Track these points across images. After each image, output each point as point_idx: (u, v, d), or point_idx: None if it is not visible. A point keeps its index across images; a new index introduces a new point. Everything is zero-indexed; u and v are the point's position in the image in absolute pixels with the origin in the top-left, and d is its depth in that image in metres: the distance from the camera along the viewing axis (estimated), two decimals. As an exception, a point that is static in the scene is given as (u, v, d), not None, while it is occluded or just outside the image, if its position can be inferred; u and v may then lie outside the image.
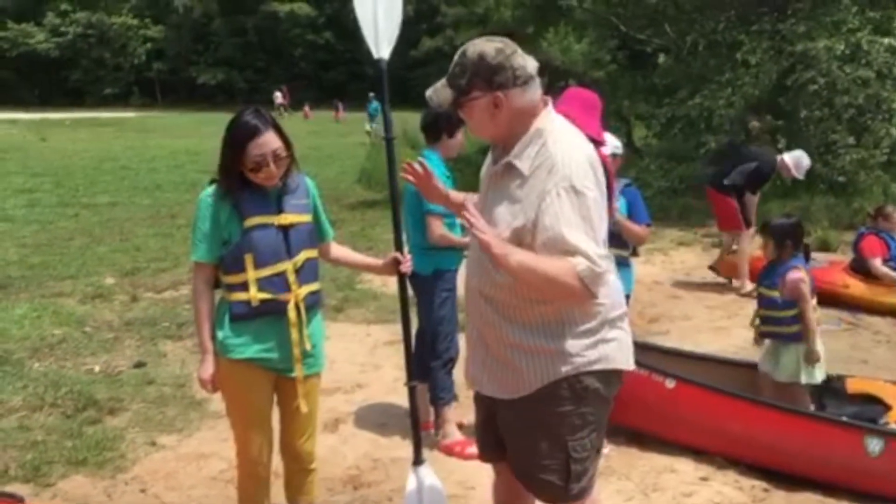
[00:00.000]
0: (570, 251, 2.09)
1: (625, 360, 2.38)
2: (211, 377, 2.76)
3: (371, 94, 26.40)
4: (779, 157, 7.61)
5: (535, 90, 2.24)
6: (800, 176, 7.65)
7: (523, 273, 2.13)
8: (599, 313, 2.28)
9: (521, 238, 2.17)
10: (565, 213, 2.11)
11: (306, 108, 40.11)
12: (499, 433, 2.48)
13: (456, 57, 2.24)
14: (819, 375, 4.12)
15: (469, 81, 2.20)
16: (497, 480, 2.72)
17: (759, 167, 7.39)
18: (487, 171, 2.41)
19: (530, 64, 2.23)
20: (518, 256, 2.12)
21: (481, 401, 2.55)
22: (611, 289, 2.32)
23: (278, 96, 41.04)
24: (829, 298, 6.77)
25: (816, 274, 6.94)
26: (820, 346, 4.12)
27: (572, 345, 2.26)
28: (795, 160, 7.42)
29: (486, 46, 2.20)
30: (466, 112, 2.27)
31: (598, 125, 3.80)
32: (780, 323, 4.15)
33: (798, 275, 4.09)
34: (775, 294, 4.16)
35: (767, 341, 4.29)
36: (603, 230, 2.23)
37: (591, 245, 2.11)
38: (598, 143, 3.78)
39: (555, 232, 2.11)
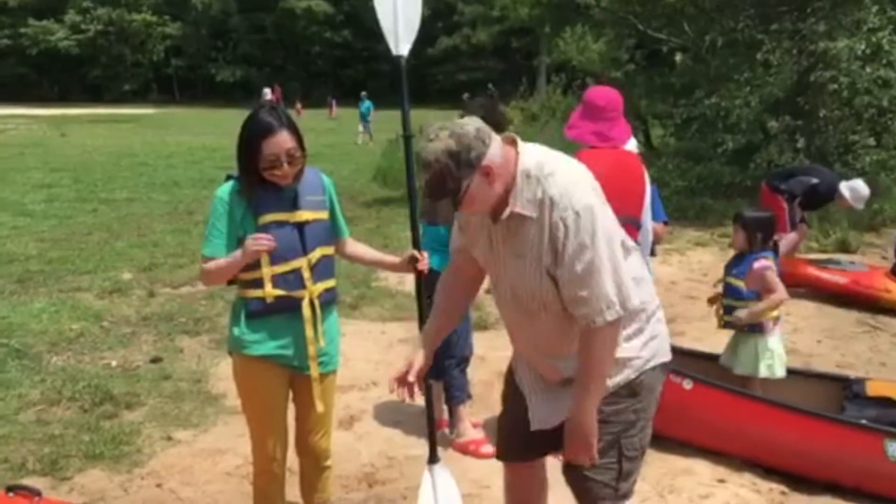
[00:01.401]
0: (592, 299, 2.13)
1: (668, 350, 2.48)
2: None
3: (363, 94, 25.93)
4: (839, 186, 7.24)
5: (498, 141, 2.19)
6: (858, 206, 7.35)
7: (602, 379, 2.24)
8: (644, 310, 2.37)
9: (552, 274, 2.19)
10: (583, 253, 2.12)
11: (298, 106, 39.56)
12: (527, 436, 2.48)
13: (425, 172, 2.13)
14: (780, 371, 4.15)
15: (455, 179, 2.11)
16: (512, 481, 2.71)
17: (817, 185, 7.15)
18: (489, 231, 2.32)
19: (475, 124, 2.17)
20: (592, 392, 2.23)
21: (513, 403, 2.54)
22: (645, 283, 2.40)
23: (267, 93, 40.68)
24: (869, 303, 6.74)
25: (857, 278, 6.95)
26: (778, 344, 4.18)
27: (628, 349, 2.33)
28: (853, 191, 7.08)
29: (444, 144, 2.11)
30: (468, 203, 2.17)
31: (621, 126, 3.83)
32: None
33: (765, 263, 4.12)
34: (740, 284, 4.19)
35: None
36: (617, 230, 2.27)
37: (609, 286, 2.13)
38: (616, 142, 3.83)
39: (575, 275, 2.14)
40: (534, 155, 2.22)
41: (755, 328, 4.15)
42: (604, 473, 2.37)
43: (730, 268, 4.35)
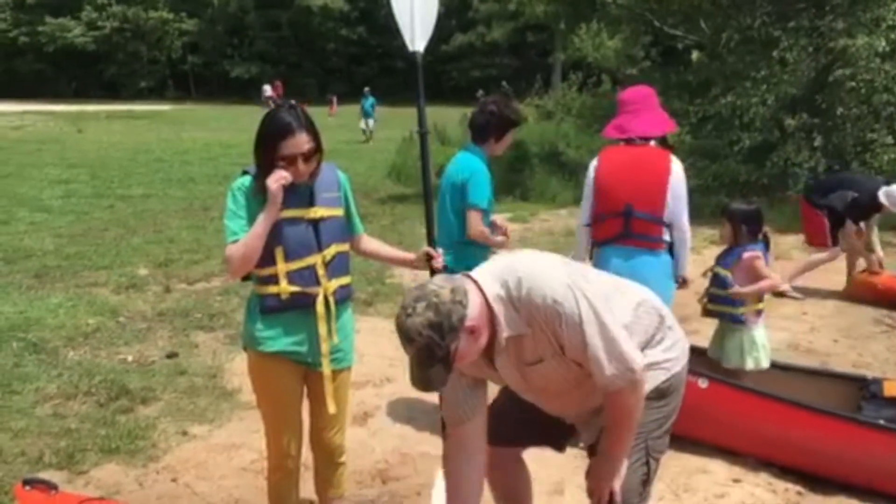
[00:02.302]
0: (606, 367, 2.14)
1: (687, 343, 2.52)
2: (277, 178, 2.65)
3: (366, 90, 25.35)
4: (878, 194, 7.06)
5: (474, 292, 2.15)
6: None
7: (632, 428, 2.29)
8: (663, 319, 2.41)
9: (580, 364, 2.20)
10: (581, 335, 2.13)
11: (292, 103, 38.97)
12: (517, 424, 2.54)
13: (412, 350, 2.10)
14: (765, 362, 4.23)
15: (444, 348, 2.07)
16: (495, 465, 2.64)
17: (858, 199, 7.02)
18: (501, 369, 2.30)
19: (450, 285, 2.13)
20: (625, 441, 2.30)
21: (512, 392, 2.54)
22: (649, 297, 2.46)
23: (267, 89, 40.40)
24: None
25: (892, 283, 6.85)
26: (763, 336, 4.26)
27: (655, 354, 2.37)
28: (890, 197, 6.89)
29: (423, 318, 2.06)
30: (459, 361, 2.13)
31: (644, 119, 3.85)
32: (726, 302, 4.25)
33: (754, 253, 4.18)
34: (727, 273, 4.24)
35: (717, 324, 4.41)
36: (605, 285, 2.33)
37: (617, 352, 2.14)
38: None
39: (583, 354, 2.15)
40: (494, 276, 2.19)
41: (737, 319, 4.21)
42: (632, 475, 2.38)
43: (719, 259, 4.40)
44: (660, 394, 2.39)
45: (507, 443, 2.64)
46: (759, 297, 4.28)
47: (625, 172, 3.84)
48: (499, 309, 2.15)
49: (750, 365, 4.21)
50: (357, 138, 23.76)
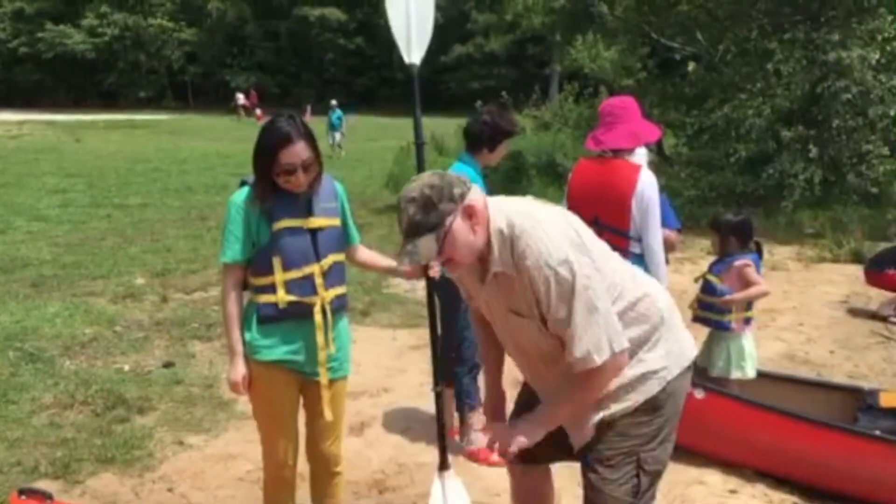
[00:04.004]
0: (579, 345, 2.11)
1: (691, 349, 2.45)
2: (243, 378, 2.77)
3: (333, 102, 24.54)
4: None
5: (479, 190, 2.20)
6: None
7: (580, 405, 2.27)
8: (663, 320, 2.34)
9: (545, 316, 2.17)
10: (565, 306, 2.10)
11: (258, 112, 38.28)
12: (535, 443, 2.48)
13: (407, 212, 2.11)
14: (750, 371, 4.25)
15: (437, 213, 2.10)
16: (517, 486, 2.69)
17: None
18: (478, 286, 2.32)
19: (456, 173, 2.25)
20: (564, 409, 2.27)
21: (526, 408, 2.52)
22: (657, 294, 2.38)
23: (240, 97, 40.21)
24: None
25: None
26: (750, 345, 4.27)
27: (650, 361, 2.31)
28: None
29: (426, 180, 2.13)
30: (449, 244, 2.13)
31: (619, 131, 3.81)
32: (714, 309, 4.26)
33: (745, 261, 4.21)
34: (716, 280, 4.27)
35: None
36: (604, 271, 2.20)
37: (594, 333, 2.11)
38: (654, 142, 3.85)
39: (560, 326, 2.13)
40: (505, 213, 2.19)
41: (723, 326, 4.24)
42: (620, 487, 2.32)
43: (711, 266, 4.42)
44: (653, 406, 2.32)
45: (524, 462, 2.59)
46: (747, 305, 4.29)
47: (592, 185, 3.83)
48: (496, 241, 2.16)
49: (735, 374, 4.21)
50: (360, 148, 23.74)
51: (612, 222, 3.71)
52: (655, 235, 3.72)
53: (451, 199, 2.11)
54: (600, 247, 2.26)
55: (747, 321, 4.30)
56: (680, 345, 2.40)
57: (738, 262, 4.21)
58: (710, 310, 4.29)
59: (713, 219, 4.52)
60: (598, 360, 2.12)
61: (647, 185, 3.69)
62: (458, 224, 2.12)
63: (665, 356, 2.34)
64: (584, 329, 2.10)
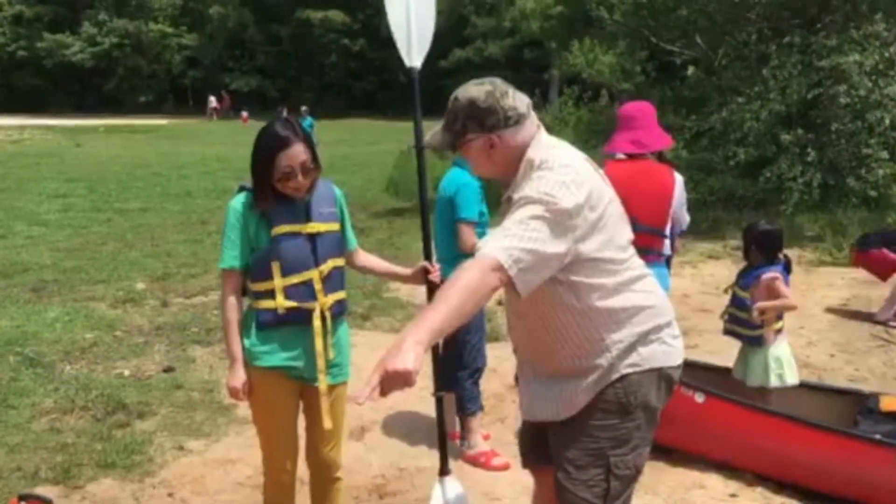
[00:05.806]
0: (491, 240, 2.04)
1: (673, 361, 2.31)
2: (242, 385, 2.77)
3: (303, 109, 24.03)
4: None
5: (529, 128, 2.24)
6: None
7: (455, 318, 1.91)
8: (648, 319, 2.25)
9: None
10: (507, 224, 2.05)
11: (244, 115, 38.43)
12: (536, 438, 2.48)
13: (449, 104, 2.29)
14: (790, 379, 4.14)
15: (463, 125, 2.25)
16: (536, 484, 2.68)
17: None
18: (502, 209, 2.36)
19: (521, 103, 2.24)
20: (434, 318, 1.87)
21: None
22: (654, 294, 2.31)
23: (212, 101, 40.35)
24: None
25: None
26: (786, 352, 4.18)
27: (615, 351, 2.21)
28: None
29: (475, 91, 2.24)
30: (465, 153, 2.32)
31: (655, 134, 3.97)
32: (745, 324, 4.20)
33: (774, 274, 4.13)
34: (746, 296, 4.20)
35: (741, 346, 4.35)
36: (606, 243, 2.15)
37: (504, 243, 1.98)
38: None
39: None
40: (544, 147, 2.23)
41: (757, 341, 4.15)
42: (588, 489, 2.26)
43: (738, 278, 4.37)
44: (623, 409, 2.23)
45: (536, 461, 2.58)
46: (777, 317, 4.19)
47: (631, 187, 3.85)
48: (523, 169, 2.21)
49: (774, 382, 4.10)
50: (360, 152, 23.74)
51: (651, 222, 3.86)
52: (687, 220, 4.28)
53: (479, 124, 2.22)
54: (616, 216, 2.22)
55: (778, 332, 4.19)
56: (654, 349, 2.27)
57: (766, 276, 4.11)
58: (742, 324, 4.22)
59: (746, 225, 4.46)
60: (488, 254, 1.96)
61: (681, 184, 4.12)
62: (476, 145, 2.26)
63: (627, 350, 2.23)
64: (504, 231, 2.02)
